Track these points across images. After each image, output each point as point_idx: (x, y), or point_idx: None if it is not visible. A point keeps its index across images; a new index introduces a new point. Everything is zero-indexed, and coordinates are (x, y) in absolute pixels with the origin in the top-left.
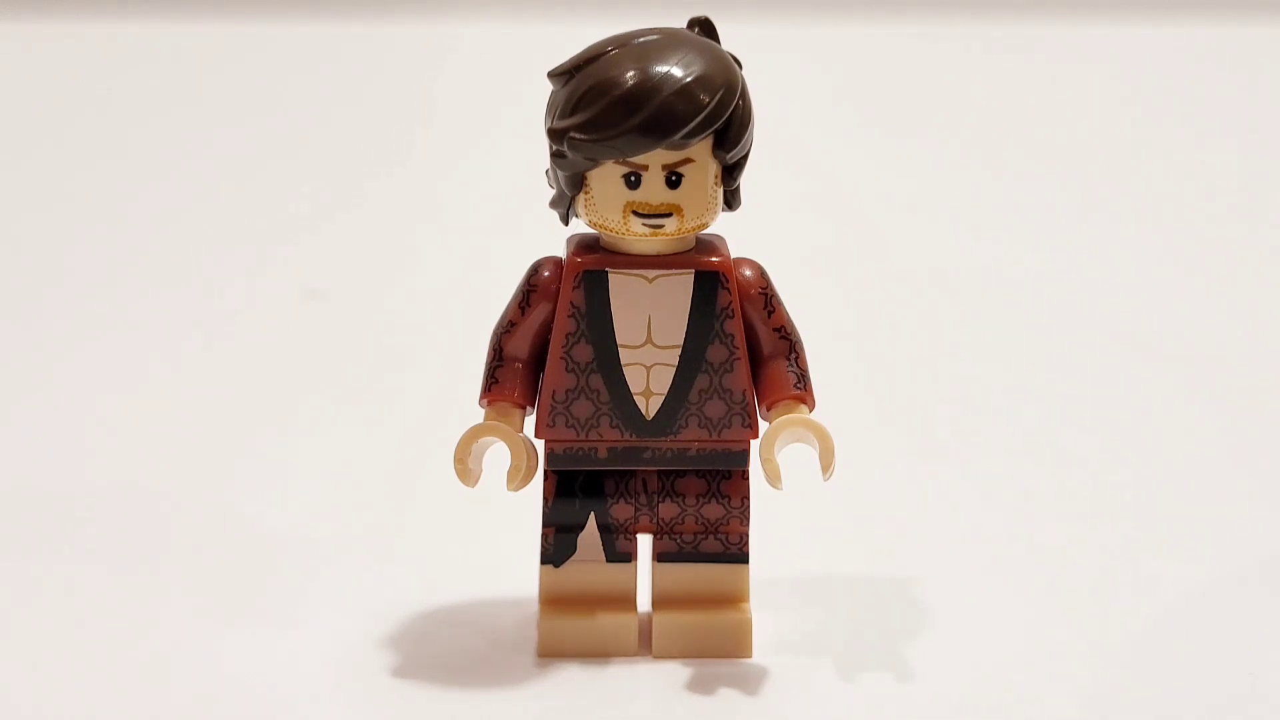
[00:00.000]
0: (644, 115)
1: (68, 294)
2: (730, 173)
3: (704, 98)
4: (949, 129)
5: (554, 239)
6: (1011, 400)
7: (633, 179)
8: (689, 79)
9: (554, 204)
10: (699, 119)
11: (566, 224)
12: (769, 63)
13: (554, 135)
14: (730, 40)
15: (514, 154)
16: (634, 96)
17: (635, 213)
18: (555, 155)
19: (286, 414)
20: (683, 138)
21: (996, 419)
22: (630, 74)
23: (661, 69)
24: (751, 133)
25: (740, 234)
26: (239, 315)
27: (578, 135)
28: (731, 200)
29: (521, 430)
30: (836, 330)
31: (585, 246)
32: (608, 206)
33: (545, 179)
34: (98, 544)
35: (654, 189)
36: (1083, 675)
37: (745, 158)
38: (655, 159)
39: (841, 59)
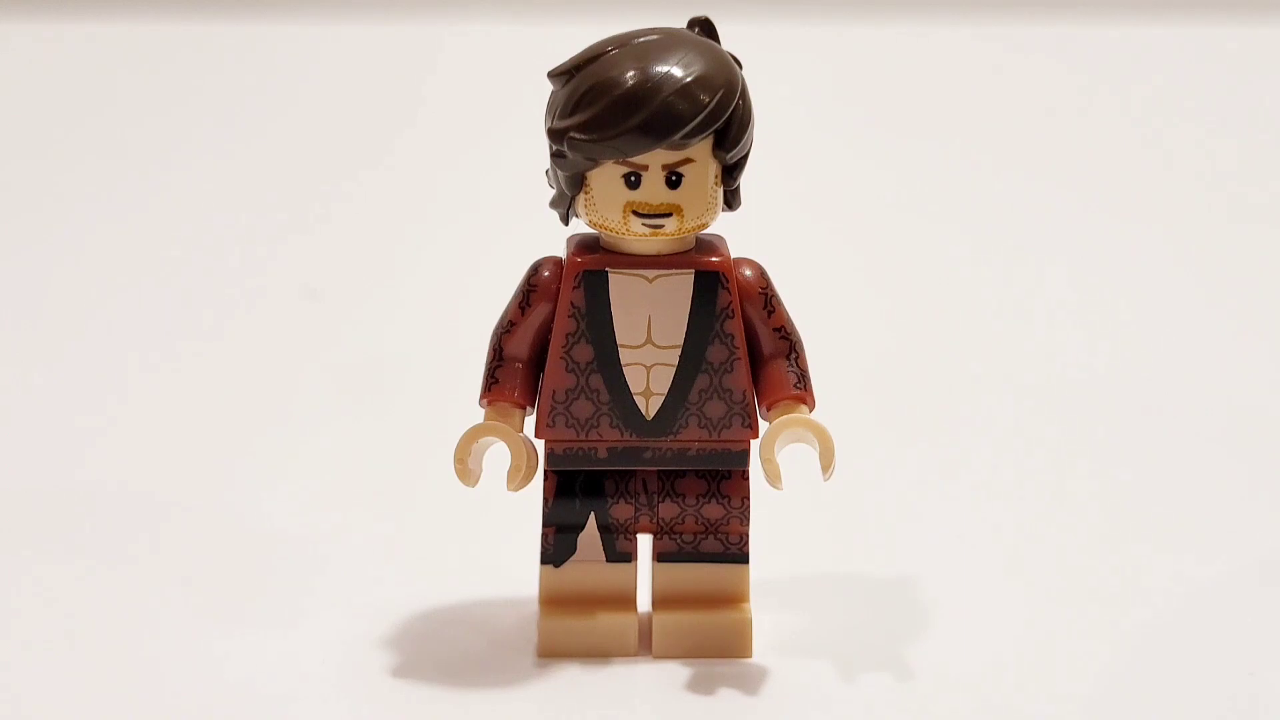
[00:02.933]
0: (644, 115)
1: (63, 293)
2: (730, 173)
3: (704, 98)
4: (950, 129)
5: (554, 239)
6: (1012, 400)
7: (633, 179)
8: (689, 79)
9: (554, 204)
10: (699, 119)
11: (566, 224)
12: (769, 63)
13: (554, 135)
14: (730, 40)
15: (514, 154)
16: (634, 96)
17: (635, 213)
18: (555, 155)
19: (286, 413)
20: (683, 138)
21: (997, 418)
22: (630, 74)
23: (661, 69)
24: (751, 133)
25: (740, 234)
26: (239, 314)
27: (578, 135)
28: (731, 200)
29: (522, 430)
30: (837, 331)
31: (585, 246)
32: (608, 206)
33: (545, 179)
34: (96, 544)
35: (654, 189)
36: (1083, 674)
37: (745, 158)
38: (655, 159)
39: (842, 59)
